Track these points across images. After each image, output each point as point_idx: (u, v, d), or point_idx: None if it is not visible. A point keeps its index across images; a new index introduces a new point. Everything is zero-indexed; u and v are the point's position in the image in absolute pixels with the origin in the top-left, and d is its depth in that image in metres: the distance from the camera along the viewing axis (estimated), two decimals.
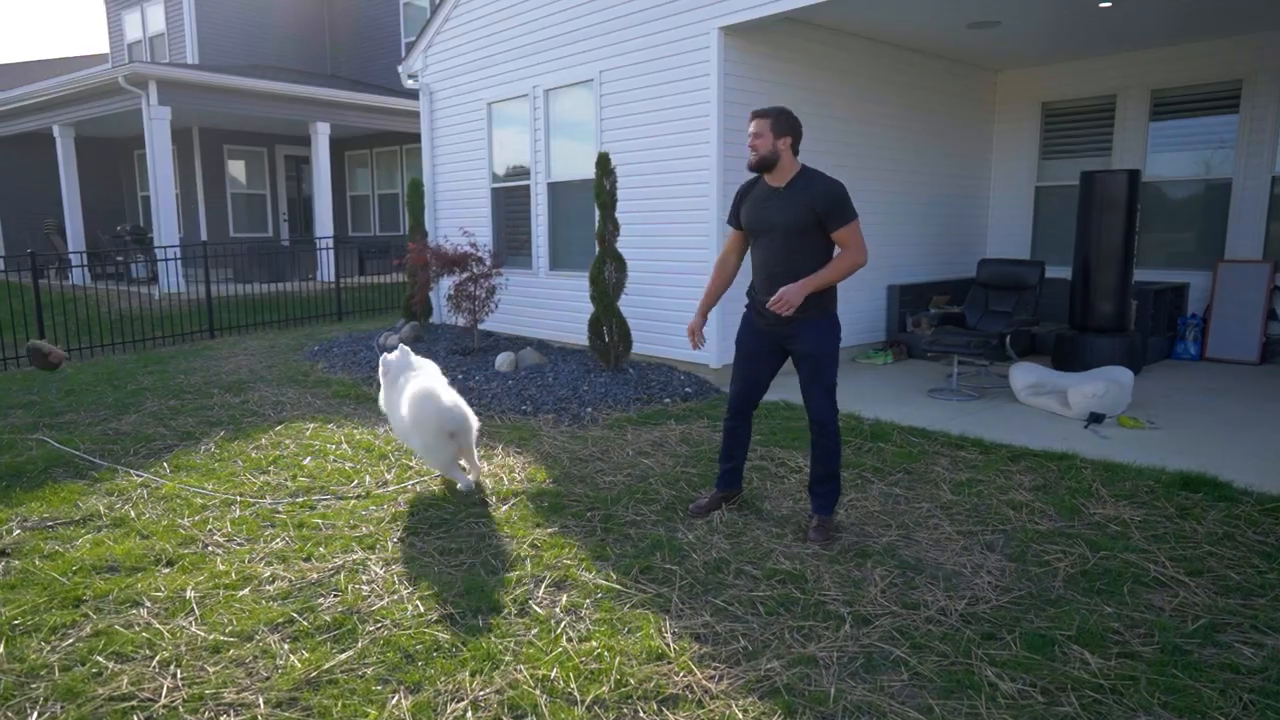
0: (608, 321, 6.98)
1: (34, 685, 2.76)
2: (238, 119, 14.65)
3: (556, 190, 8.37)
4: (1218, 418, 5.64)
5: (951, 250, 9.08)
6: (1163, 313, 7.84)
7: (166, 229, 12.55)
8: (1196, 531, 3.76)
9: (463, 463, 4.57)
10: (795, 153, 3.69)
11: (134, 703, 2.65)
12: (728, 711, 2.56)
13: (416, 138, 13.01)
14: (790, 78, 7.04)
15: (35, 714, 2.61)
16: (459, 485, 4.49)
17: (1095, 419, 5.50)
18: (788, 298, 3.53)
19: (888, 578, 3.41)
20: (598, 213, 6.91)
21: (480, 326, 8.52)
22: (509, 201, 9.03)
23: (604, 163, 6.83)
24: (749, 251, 3.93)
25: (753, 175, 3.82)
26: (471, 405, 6.40)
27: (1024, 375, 6.11)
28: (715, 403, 6.35)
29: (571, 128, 8.12)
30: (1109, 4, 6.54)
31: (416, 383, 4.45)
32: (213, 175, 16.31)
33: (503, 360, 7.40)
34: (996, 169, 9.52)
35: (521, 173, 8.77)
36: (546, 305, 8.57)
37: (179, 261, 12.18)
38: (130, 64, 12.26)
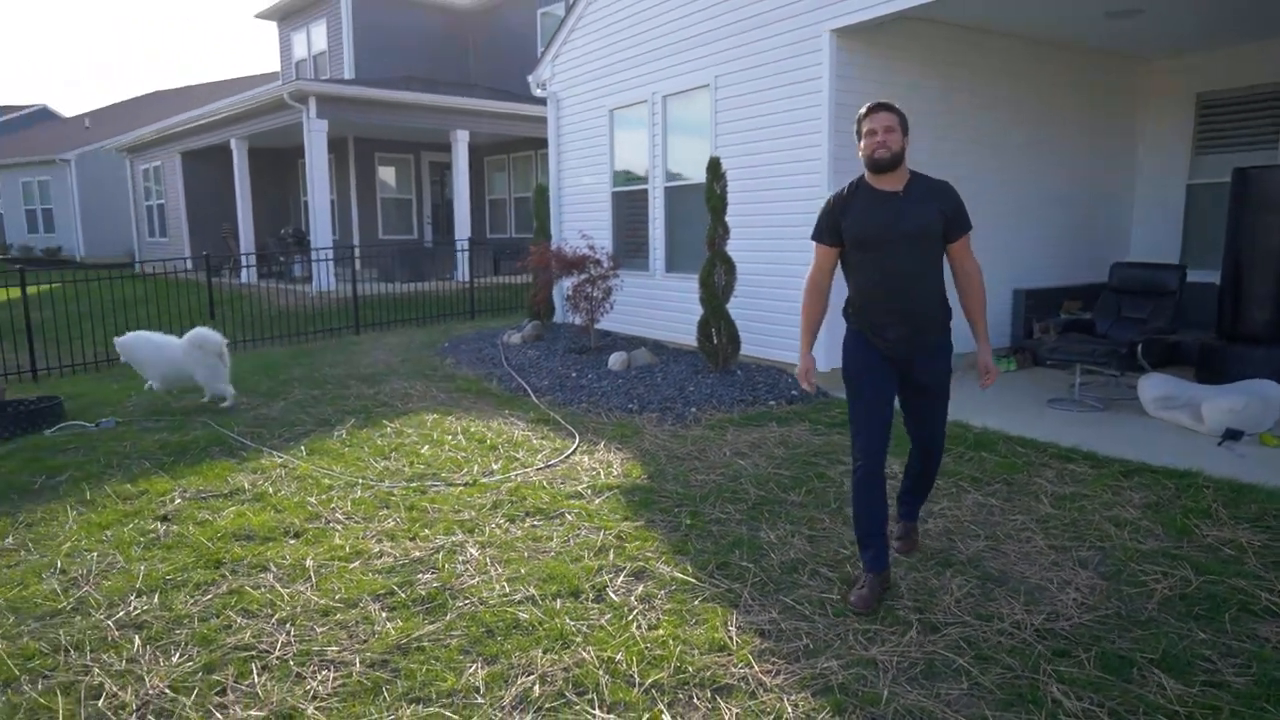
0: (716, 323, 7.08)
1: (177, 631, 3.19)
2: (386, 129, 15.70)
3: (673, 194, 8.54)
4: None
5: (1088, 253, 8.57)
6: None
7: (321, 232, 13.64)
8: None
9: None
10: None
11: (254, 652, 3.02)
12: (778, 705, 2.64)
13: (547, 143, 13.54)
14: (906, 77, 6.90)
15: (176, 655, 3.02)
16: None
17: (1231, 436, 5.12)
18: (989, 366, 3.45)
19: (965, 587, 3.36)
20: (709, 216, 7.03)
21: (598, 326, 8.82)
22: (628, 205, 9.28)
23: (715, 167, 6.94)
24: (846, 269, 3.43)
25: (849, 184, 3.40)
26: (580, 402, 6.73)
27: (1153, 387, 5.74)
28: (818, 406, 6.33)
29: (688, 133, 8.27)
30: None
31: None
32: (365, 181, 17.55)
33: (615, 360, 7.64)
34: (1143, 166, 8.90)
35: (640, 177, 8.99)
36: (662, 306, 8.76)
37: (331, 262, 13.22)
38: (294, 81, 13.42)
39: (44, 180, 24.85)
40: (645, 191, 8.90)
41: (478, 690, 2.76)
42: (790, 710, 2.61)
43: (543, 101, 10.75)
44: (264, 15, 19.46)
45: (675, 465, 5.07)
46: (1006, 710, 2.57)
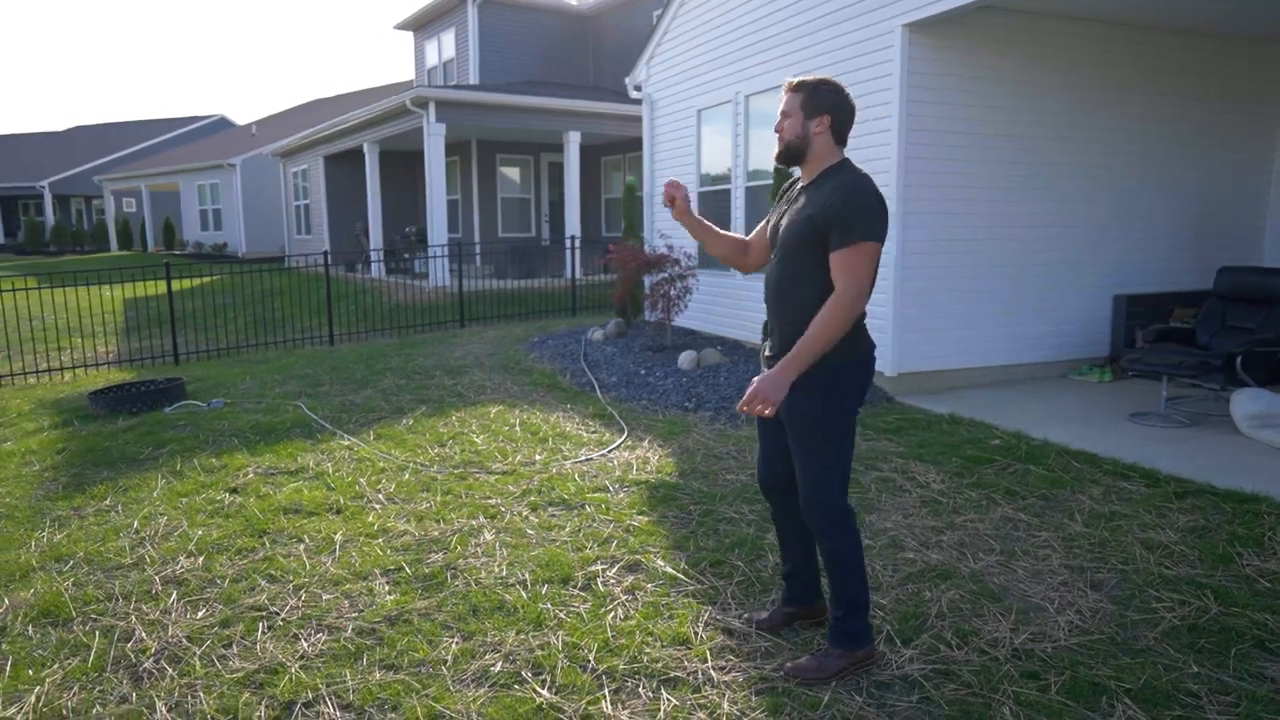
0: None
1: (209, 590, 3.56)
2: (505, 131, 16.34)
3: (753, 193, 8.51)
4: None
5: (1211, 257, 7.87)
6: None
7: (438, 229, 14.40)
8: None
9: None
10: (840, 140, 2.74)
11: (264, 613, 3.34)
12: (718, 701, 2.67)
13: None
14: (985, 70, 6.59)
15: (202, 611, 3.38)
16: None
17: None
18: (762, 394, 2.52)
19: (956, 602, 3.25)
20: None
21: (681, 324, 8.90)
22: (713, 204, 9.31)
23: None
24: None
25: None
26: (641, 399, 6.86)
27: (1249, 403, 5.26)
28: (879, 411, 6.17)
29: (769, 132, 8.22)
30: None
31: None
32: (486, 182, 18.34)
33: (685, 358, 7.72)
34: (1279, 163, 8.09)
35: (724, 176, 9.01)
36: (742, 305, 8.74)
37: (445, 259, 13.94)
38: (415, 88, 14.22)
39: (215, 183, 27.38)
40: (728, 191, 8.91)
41: (445, 663, 2.94)
42: (727, 706, 2.64)
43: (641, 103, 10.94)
44: (401, 26, 20.67)
45: (709, 464, 5.11)
46: None
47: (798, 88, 2.73)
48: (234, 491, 4.84)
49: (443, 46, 19.73)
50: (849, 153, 2.91)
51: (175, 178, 29.22)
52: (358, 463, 5.32)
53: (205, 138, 35.72)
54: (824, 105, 2.70)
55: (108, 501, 4.77)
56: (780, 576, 3.22)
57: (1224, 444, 5.14)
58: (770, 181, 8.04)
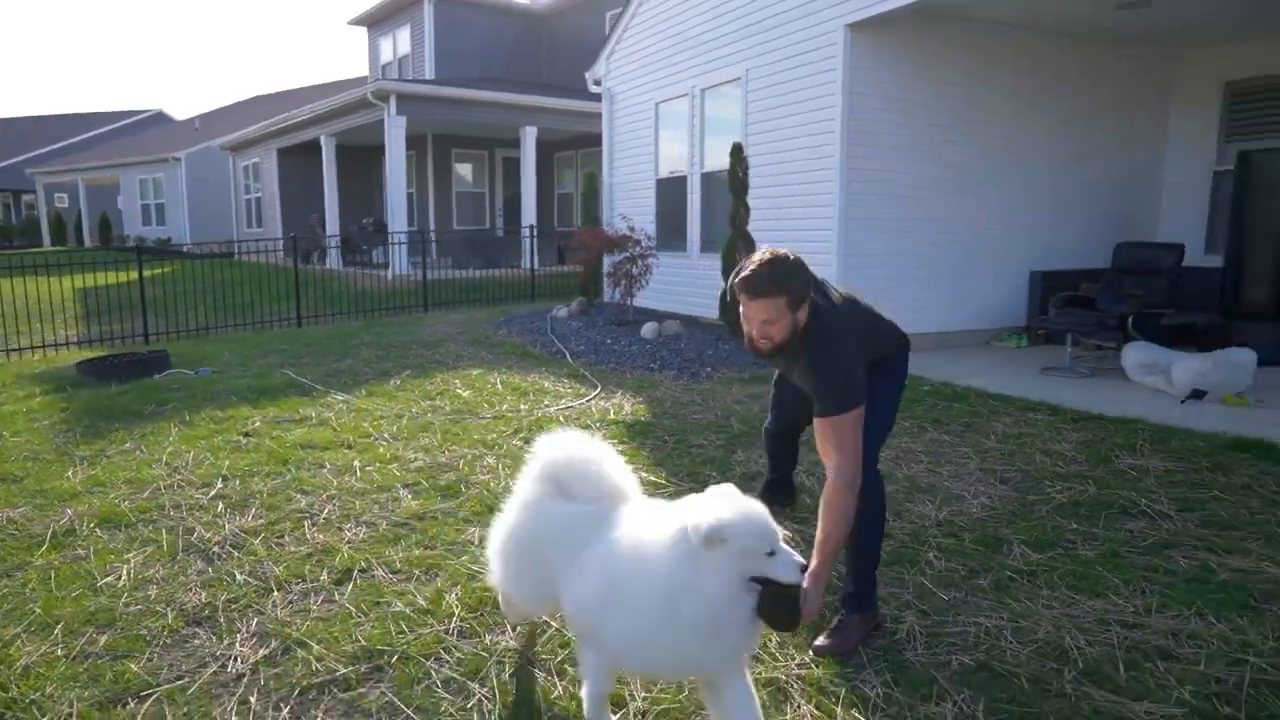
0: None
1: (251, 501, 4.06)
2: (461, 125, 16.77)
3: (708, 180, 9.21)
4: None
5: (1113, 238, 8.83)
6: None
7: (397, 220, 14.79)
8: (1215, 481, 3.93)
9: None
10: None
11: (306, 515, 3.86)
12: None
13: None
14: (921, 69, 7.40)
15: (250, 515, 3.88)
16: None
17: (1196, 395, 5.50)
18: (812, 611, 2.26)
19: (893, 494, 3.95)
20: (731, 198, 7.67)
21: (640, 303, 9.54)
22: (670, 191, 9.99)
23: (737, 152, 7.59)
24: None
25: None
26: (610, 363, 7.47)
27: (1135, 353, 6.13)
28: None
29: (723, 123, 8.92)
30: None
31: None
32: (441, 176, 18.73)
33: (648, 328, 8.36)
34: (1171, 153, 9.11)
35: (680, 165, 9.69)
36: (697, 284, 9.43)
37: (405, 246, 14.33)
38: (376, 82, 14.60)
39: (158, 177, 27.05)
40: (684, 178, 9.59)
41: (472, 543, 3.52)
42: None
43: (601, 98, 11.55)
44: (355, 22, 20.90)
45: (678, 409, 5.76)
46: (888, 567, 3.18)
47: (776, 291, 2.49)
48: (247, 435, 5.29)
49: (398, 43, 20.04)
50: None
51: (115, 171, 28.74)
52: (356, 412, 5.82)
53: (143, 132, 35.08)
54: (803, 292, 2.55)
55: (129, 445, 5.18)
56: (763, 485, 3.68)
57: (1116, 387, 6.00)
58: (725, 169, 8.74)
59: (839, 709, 2.32)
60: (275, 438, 5.18)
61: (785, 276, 2.52)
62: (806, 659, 2.57)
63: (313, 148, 18.79)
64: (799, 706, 2.33)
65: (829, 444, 2.54)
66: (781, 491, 3.71)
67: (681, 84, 9.47)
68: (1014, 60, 7.88)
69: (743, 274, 2.56)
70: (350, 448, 4.95)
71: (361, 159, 20.60)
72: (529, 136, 15.87)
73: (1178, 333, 7.09)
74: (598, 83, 11.40)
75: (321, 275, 15.53)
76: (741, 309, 2.60)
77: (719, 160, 8.94)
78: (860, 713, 2.30)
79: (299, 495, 4.13)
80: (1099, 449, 4.49)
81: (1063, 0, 6.99)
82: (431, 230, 18.06)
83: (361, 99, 14.64)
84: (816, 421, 2.58)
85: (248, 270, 16.14)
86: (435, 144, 18.40)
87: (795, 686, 2.42)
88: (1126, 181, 8.90)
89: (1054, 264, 8.46)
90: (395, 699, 2.42)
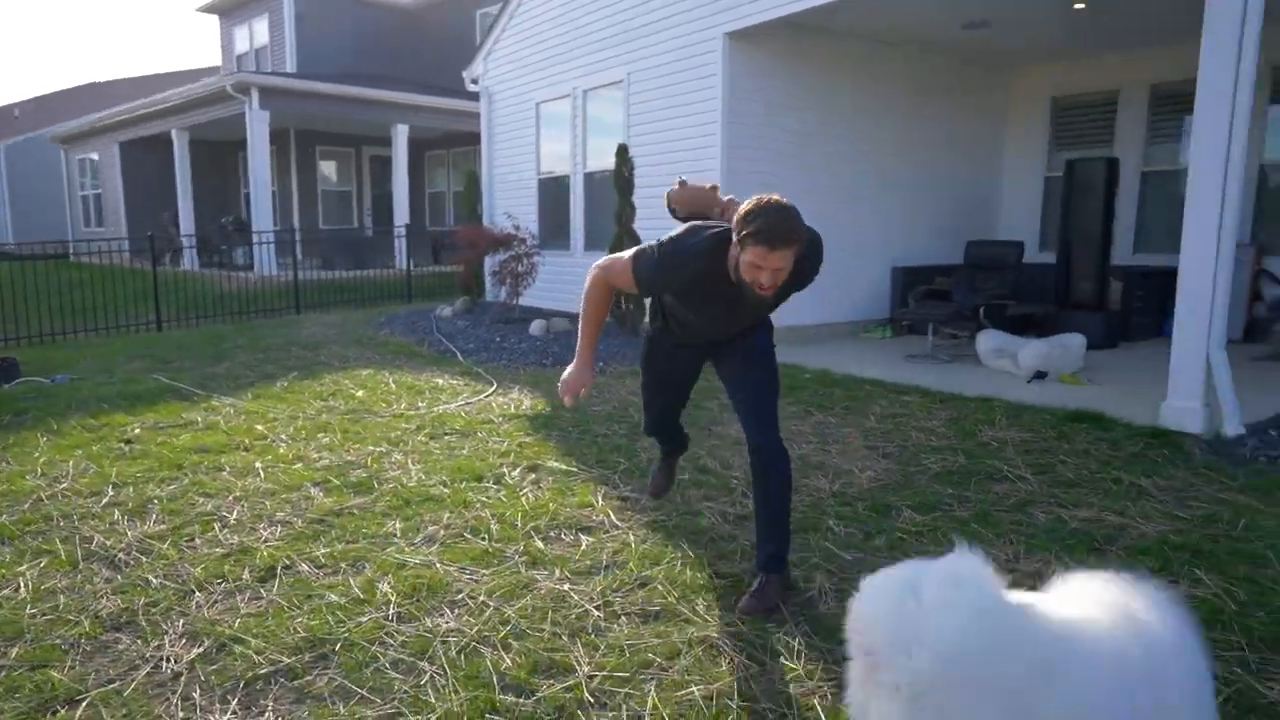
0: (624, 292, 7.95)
1: (150, 507, 3.91)
2: (329, 121, 16.21)
3: (592, 180, 9.40)
4: (1149, 377, 6.20)
5: (962, 236, 9.67)
6: (1152, 294, 8.30)
7: (262, 220, 14.15)
8: (1061, 447, 4.49)
9: None
10: None
11: (215, 517, 3.77)
12: (625, 537, 3.50)
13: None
14: (798, 78, 7.87)
15: (151, 521, 3.75)
16: None
17: (1039, 376, 6.17)
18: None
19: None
20: (617, 197, 7.90)
21: (525, 302, 9.60)
22: (553, 190, 10.11)
23: (623, 153, 7.82)
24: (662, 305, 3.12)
25: (700, 256, 2.70)
26: (502, 360, 7.53)
27: (987, 340, 6.80)
28: None
29: (605, 123, 9.13)
30: (1082, 5, 7.15)
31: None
32: (306, 173, 18.01)
33: (536, 326, 8.46)
34: (1009, 159, 10.07)
35: (563, 165, 9.83)
36: (582, 282, 9.57)
37: (273, 247, 13.73)
38: (237, 73, 13.91)
39: None
40: (568, 178, 9.74)
41: (395, 535, 3.56)
42: (633, 538, 3.47)
43: (478, 97, 11.51)
44: (205, 9, 19.75)
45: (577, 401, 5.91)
46: (795, 535, 3.46)
47: (799, 239, 2.56)
48: (129, 442, 5.04)
49: (254, 33, 19.12)
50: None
51: None
52: (246, 415, 5.64)
53: None
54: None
55: None
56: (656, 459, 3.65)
57: (972, 371, 6.63)
58: (608, 169, 8.95)
59: (768, 659, 2.56)
60: (161, 443, 4.96)
61: (800, 223, 2.56)
62: (733, 618, 2.80)
63: (162, 141, 17.64)
64: (733, 660, 2.56)
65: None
66: (678, 445, 3.55)
67: (563, 85, 9.62)
68: (877, 72, 8.51)
69: (762, 223, 2.47)
70: (247, 450, 4.82)
71: (218, 154, 19.52)
72: (401, 135, 15.56)
73: (1020, 322, 7.89)
74: (475, 81, 11.37)
75: (177, 277, 14.63)
76: (749, 258, 2.49)
77: (602, 160, 9.15)
78: (787, 660, 2.55)
79: (201, 499, 4.01)
80: (964, 424, 5.00)
81: (917, 19, 7.63)
82: (296, 229, 17.35)
83: (220, 91, 13.92)
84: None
85: (91, 272, 14.98)
86: (299, 140, 17.69)
87: (727, 643, 2.65)
88: (972, 185, 9.77)
89: (913, 260, 9.18)
90: (346, 682, 2.47)
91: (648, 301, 3.23)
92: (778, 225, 2.49)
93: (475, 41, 18.20)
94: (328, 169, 18.63)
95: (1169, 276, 8.41)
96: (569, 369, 3.05)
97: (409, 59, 19.81)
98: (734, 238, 2.57)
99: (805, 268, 2.75)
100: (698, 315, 2.93)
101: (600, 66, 9.01)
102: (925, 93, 9.02)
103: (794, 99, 7.90)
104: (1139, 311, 8.10)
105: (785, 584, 2.98)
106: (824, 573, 3.13)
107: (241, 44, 19.53)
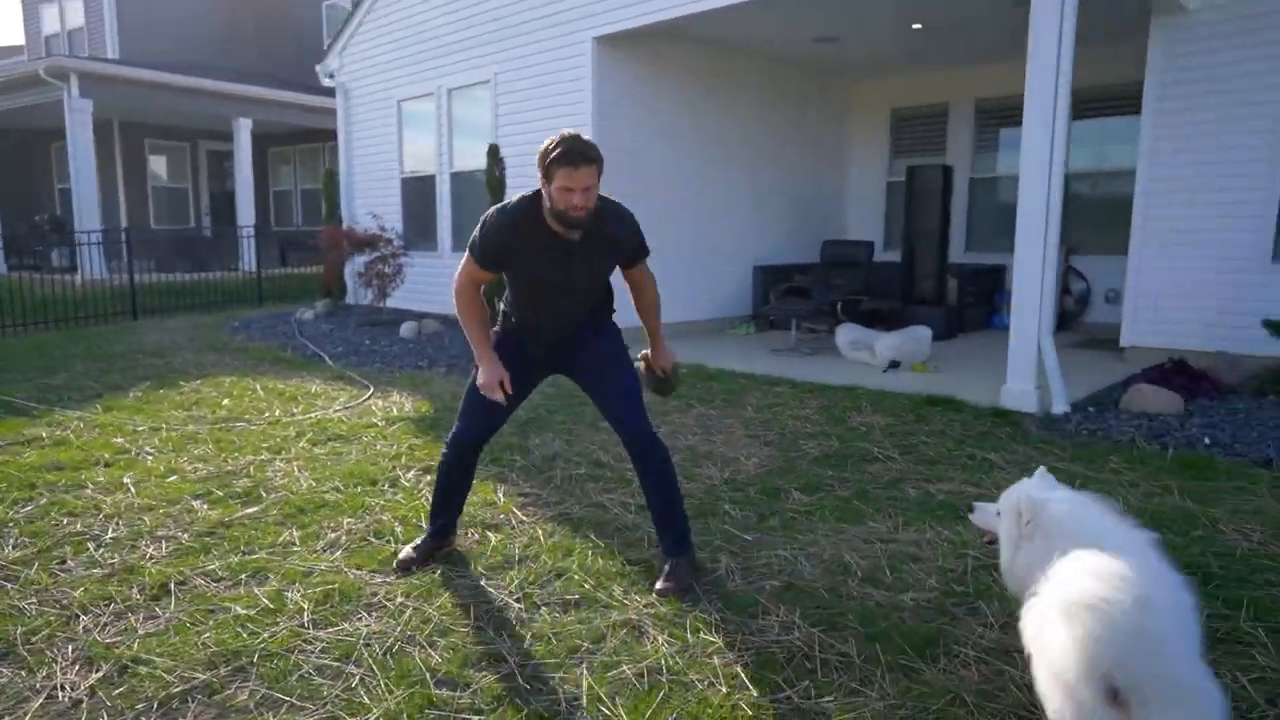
0: (497, 293, 7.93)
1: (5, 530, 3.60)
2: (160, 113, 15.09)
3: (459, 179, 9.30)
4: (987, 364, 6.91)
5: (815, 237, 10.30)
6: (983, 289, 9.18)
7: (87, 219, 13.00)
8: (921, 429, 4.95)
9: None
10: None
11: (87, 536, 3.52)
12: (531, 531, 3.57)
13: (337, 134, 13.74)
14: (665, 83, 8.13)
15: (10, 547, 3.45)
16: None
17: (893, 365, 6.71)
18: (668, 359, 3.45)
19: (679, 462, 4.47)
20: (489, 196, 7.87)
21: (391, 304, 9.37)
22: (418, 190, 9.91)
23: (494, 153, 7.80)
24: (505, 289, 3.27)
25: (515, 211, 2.92)
26: (374, 363, 7.34)
27: (845, 334, 7.31)
28: None
29: (472, 123, 9.06)
30: (919, 26, 7.81)
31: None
32: (133, 169, 16.66)
33: (407, 328, 8.29)
34: (854, 166, 10.81)
35: (428, 164, 9.66)
36: (450, 283, 9.46)
37: (101, 249, 12.64)
38: (52, 57, 12.70)
39: None
40: (434, 177, 9.58)
41: (294, 543, 3.46)
42: (542, 532, 3.55)
43: (331, 92, 11.10)
44: None
45: (458, 403, 5.84)
46: (694, 520, 3.66)
47: (597, 156, 2.75)
48: None
49: (65, 12, 17.50)
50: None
51: None
52: (100, 430, 5.24)
53: None
54: (602, 169, 2.79)
55: None
56: (436, 532, 3.30)
57: (833, 363, 7.11)
58: (476, 169, 8.89)
59: (688, 635, 2.72)
60: (4, 463, 4.54)
61: (595, 146, 2.78)
62: (652, 600, 2.94)
63: None
64: (655, 639, 2.70)
65: (648, 277, 3.34)
66: (451, 522, 3.34)
67: (427, 83, 9.45)
68: (737, 80, 8.92)
69: (565, 146, 2.70)
70: (109, 466, 4.50)
71: (25, 146, 17.71)
72: (244, 129, 14.72)
73: (872, 316, 8.51)
74: (331, 76, 10.95)
75: None
76: (558, 183, 2.70)
77: (470, 160, 9.08)
78: (706, 634, 2.72)
79: (66, 519, 3.73)
80: (834, 411, 5.38)
81: (773, 31, 8.07)
82: (124, 229, 16.01)
83: (31, 75, 12.66)
84: (639, 268, 3.26)
85: None
86: (124, 132, 16.34)
87: (649, 623, 2.79)
88: (823, 187, 10.42)
89: (773, 259, 9.68)
90: (271, 692, 2.42)
91: (501, 306, 3.35)
92: (575, 145, 2.73)
93: (321, 34, 17.49)
94: (158, 165, 17.31)
95: (996, 274, 9.40)
96: (479, 372, 3.10)
97: (250, 50, 18.72)
98: (540, 174, 2.80)
99: (621, 235, 3.03)
100: (542, 273, 3.01)
101: (466, 66, 8.93)
102: (782, 101, 9.53)
103: (664, 101, 8.16)
104: (971, 306, 8.93)
105: (694, 565, 3.16)
106: (727, 554, 3.33)
107: (50, 24, 17.82)
